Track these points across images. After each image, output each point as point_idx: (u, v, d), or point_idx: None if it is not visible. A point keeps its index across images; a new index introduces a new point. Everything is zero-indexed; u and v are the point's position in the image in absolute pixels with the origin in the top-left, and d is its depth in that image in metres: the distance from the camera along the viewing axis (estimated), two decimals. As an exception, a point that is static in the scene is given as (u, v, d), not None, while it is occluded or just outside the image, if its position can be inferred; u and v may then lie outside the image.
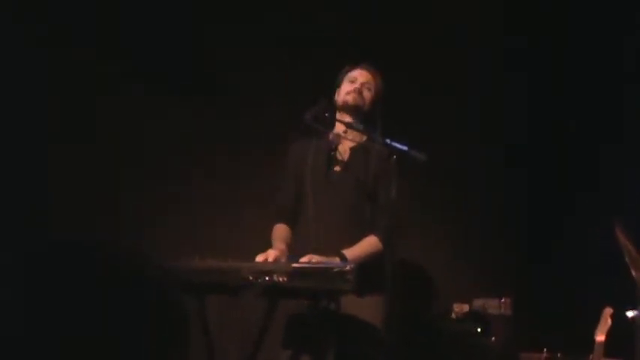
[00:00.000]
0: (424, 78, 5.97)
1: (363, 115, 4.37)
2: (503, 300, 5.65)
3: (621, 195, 5.88)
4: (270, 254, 4.13)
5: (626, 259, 4.38)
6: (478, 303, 5.68)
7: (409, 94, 5.74)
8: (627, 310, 4.68)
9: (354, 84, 4.40)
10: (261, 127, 5.43)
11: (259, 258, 4.11)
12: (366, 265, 3.99)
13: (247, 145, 5.50)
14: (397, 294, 4.16)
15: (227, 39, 5.50)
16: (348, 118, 4.35)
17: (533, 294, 6.01)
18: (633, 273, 4.37)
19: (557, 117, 6.34)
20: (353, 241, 4.22)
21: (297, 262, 3.98)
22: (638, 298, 4.46)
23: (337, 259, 4.04)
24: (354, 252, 4.13)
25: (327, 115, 4.25)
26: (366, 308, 4.13)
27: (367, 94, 4.41)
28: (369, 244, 4.20)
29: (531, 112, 6.37)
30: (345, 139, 4.40)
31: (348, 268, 3.82)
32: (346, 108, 4.35)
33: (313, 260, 3.99)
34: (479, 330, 5.60)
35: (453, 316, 5.65)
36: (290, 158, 4.53)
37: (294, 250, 4.28)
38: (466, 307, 5.67)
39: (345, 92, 4.40)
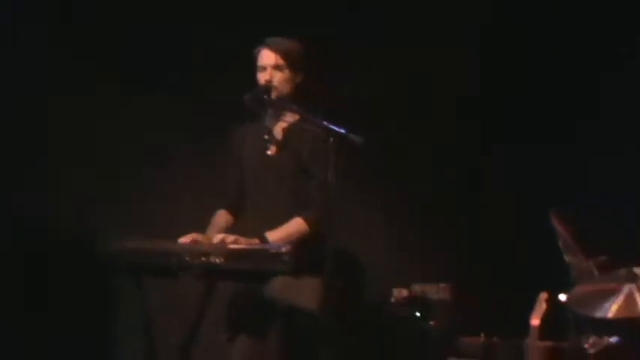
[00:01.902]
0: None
1: (291, 96, 4.33)
2: (442, 285, 5.71)
3: (554, 179, 5.99)
4: (189, 237, 4.14)
5: (560, 244, 4.46)
6: (417, 288, 5.74)
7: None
8: (560, 293, 4.76)
9: (263, 68, 4.31)
10: (213, 113, 5.44)
11: (183, 240, 4.13)
12: (304, 246, 4.03)
13: (196, 132, 5.52)
14: (335, 277, 4.21)
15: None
16: (278, 98, 4.31)
17: (471, 279, 6.08)
18: (566, 258, 4.46)
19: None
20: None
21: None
22: (571, 282, 4.54)
23: (257, 241, 4.05)
24: (277, 234, 4.14)
25: (265, 97, 4.26)
26: (304, 290, 4.16)
27: (279, 75, 4.30)
28: (293, 225, 4.21)
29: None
30: (282, 120, 4.40)
31: (284, 249, 3.86)
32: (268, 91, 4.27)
33: (229, 239, 4.02)
34: (418, 315, 5.66)
35: (393, 300, 5.70)
36: (231, 144, 4.54)
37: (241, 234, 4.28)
38: (405, 292, 5.72)
39: (258, 77, 4.33)
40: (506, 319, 5.43)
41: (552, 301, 4.96)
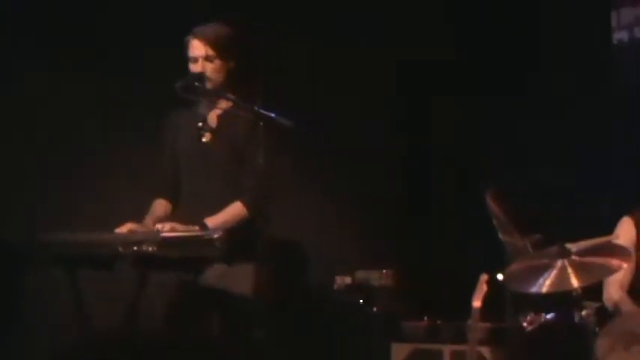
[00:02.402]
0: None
1: (225, 84, 4.32)
2: (385, 271, 5.73)
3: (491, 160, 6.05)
4: (126, 227, 4.12)
5: (495, 223, 4.50)
6: (360, 275, 5.75)
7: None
8: (497, 273, 4.79)
9: (194, 59, 4.28)
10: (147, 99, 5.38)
11: (119, 230, 4.12)
12: (237, 232, 4.02)
13: (132, 120, 5.46)
14: (270, 263, 4.21)
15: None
16: (213, 88, 4.31)
17: (414, 264, 6.11)
18: (501, 237, 4.50)
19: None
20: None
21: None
22: (506, 262, 4.57)
23: (197, 228, 4.04)
24: (217, 219, 4.14)
25: (197, 84, 4.24)
26: (238, 276, 4.15)
27: (210, 67, 4.28)
28: (232, 210, 4.21)
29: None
30: (215, 107, 4.39)
31: (216, 235, 3.85)
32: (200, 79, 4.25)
33: (165, 228, 4.00)
34: (361, 301, 5.68)
35: (336, 287, 5.71)
36: (165, 132, 4.53)
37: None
38: (348, 279, 5.73)
39: (190, 67, 4.30)
40: (449, 302, 5.46)
41: (493, 282, 5.00)
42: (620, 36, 5.92)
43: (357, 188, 6.11)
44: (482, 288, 5.14)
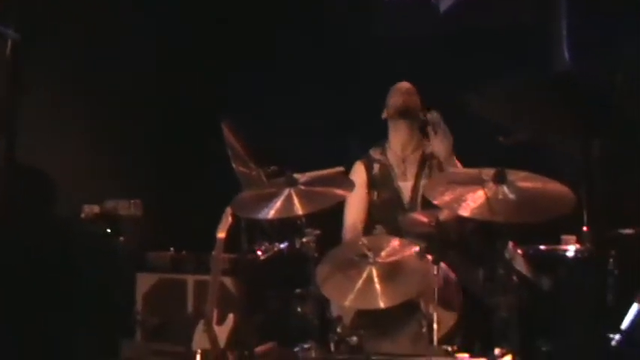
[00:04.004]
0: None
1: None
2: (133, 201, 5.74)
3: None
4: None
5: (230, 153, 4.59)
6: (109, 204, 5.74)
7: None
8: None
9: None
10: None
11: None
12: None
13: None
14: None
15: None
16: None
17: (162, 194, 6.16)
18: (235, 167, 4.59)
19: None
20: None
21: None
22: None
23: None
24: None
25: None
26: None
27: None
28: None
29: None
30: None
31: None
32: None
33: None
34: (108, 231, 5.67)
35: (83, 216, 5.68)
36: None
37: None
38: (96, 209, 5.71)
39: None
40: (195, 234, 5.54)
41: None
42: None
43: (111, 119, 6.09)
44: (227, 220, 5.26)
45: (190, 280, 5.69)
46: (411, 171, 4.93)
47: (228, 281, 5.46)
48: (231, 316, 5.19)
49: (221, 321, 5.17)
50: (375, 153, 5.00)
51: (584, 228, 4.18)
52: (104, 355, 5.46)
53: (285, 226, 4.44)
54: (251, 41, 6.29)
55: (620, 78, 3.72)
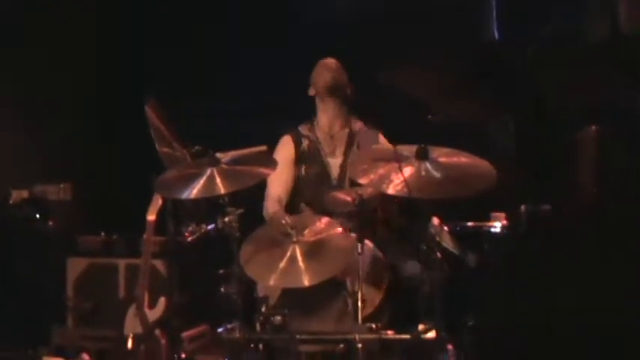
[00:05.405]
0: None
1: None
2: (62, 185, 5.65)
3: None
4: None
5: (152, 133, 4.54)
6: (38, 189, 5.65)
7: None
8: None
9: None
10: None
11: None
12: None
13: None
14: None
15: None
16: None
17: (92, 178, 6.08)
18: (158, 148, 4.54)
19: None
20: None
21: None
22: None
23: None
24: None
25: None
26: None
27: None
28: None
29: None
30: None
31: None
32: None
33: None
34: (37, 216, 5.59)
35: (11, 202, 5.59)
36: None
37: None
38: (25, 193, 5.62)
39: None
40: (126, 217, 5.48)
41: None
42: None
43: (37, 101, 6.00)
44: (157, 202, 5.19)
45: (122, 263, 5.63)
46: (340, 148, 4.90)
47: (158, 264, 5.40)
48: (162, 299, 5.14)
49: (152, 304, 5.12)
50: (303, 129, 4.95)
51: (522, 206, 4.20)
52: (35, 342, 5.40)
53: (212, 207, 4.39)
54: (178, 19, 6.21)
55: (531, 53, 3.69)
